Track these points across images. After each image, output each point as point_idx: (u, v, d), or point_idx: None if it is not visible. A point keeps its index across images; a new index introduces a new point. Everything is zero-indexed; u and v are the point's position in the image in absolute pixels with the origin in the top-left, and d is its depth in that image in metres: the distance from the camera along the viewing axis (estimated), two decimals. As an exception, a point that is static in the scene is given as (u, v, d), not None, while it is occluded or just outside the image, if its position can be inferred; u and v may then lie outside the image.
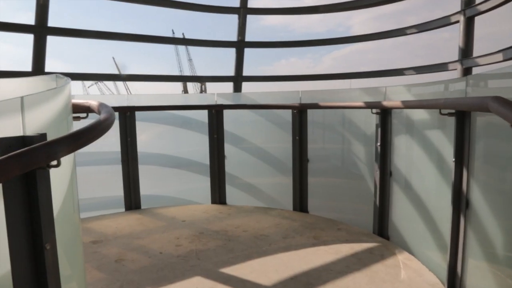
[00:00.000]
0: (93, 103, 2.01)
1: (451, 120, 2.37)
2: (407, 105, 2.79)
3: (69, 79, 1.91)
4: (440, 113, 2.38)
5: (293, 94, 4.20)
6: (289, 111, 4.14)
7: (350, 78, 5.83)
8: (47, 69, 4.56)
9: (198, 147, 4.60)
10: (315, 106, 3.87)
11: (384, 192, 3.37)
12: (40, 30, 4.46)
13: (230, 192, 4.60)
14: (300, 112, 4.05)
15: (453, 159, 2.34)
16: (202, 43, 6.19)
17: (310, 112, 4.05)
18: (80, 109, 2.16)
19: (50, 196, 1.12)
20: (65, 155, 1.14)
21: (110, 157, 4.36)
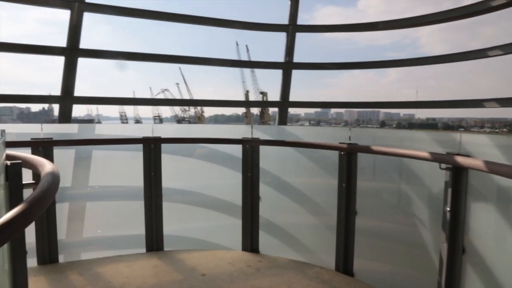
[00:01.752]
0: (47, 168, 1.50)
1: None
2: (495, 170, 2.00)
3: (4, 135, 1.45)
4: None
5: (343, 131, 3.50)
6: (336, 152, 3.44)
7: (417, 107, 4.98)
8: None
9: (230, 185, 4.05)
10: (367, 149, 3.14)
11: (453, 272, 2.55)
12: (71, 53, 4.21)
13: (264, 238, 3.98)
14: (348, 155, 3.34)
15: None
16: (248, 64, 5.70)
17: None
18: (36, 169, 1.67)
19: None
20: None
21: (132, 192, 3.96)
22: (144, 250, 3.94)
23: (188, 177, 4.17)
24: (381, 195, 3.59)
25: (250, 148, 3.83)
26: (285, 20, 5.30)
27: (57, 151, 3.57)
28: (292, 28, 5.15)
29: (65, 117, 4.18)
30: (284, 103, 5.15)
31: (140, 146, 3.82)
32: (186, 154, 4.08)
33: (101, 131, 3.94)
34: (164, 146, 3.88)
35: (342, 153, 3.37)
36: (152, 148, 3.80)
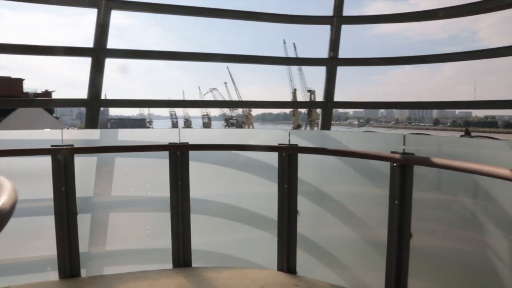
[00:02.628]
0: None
1: None
2: None
3: None
4: None
5: (395, 138, 2.96)
6: (387, 163, 2.90)
7: (477, 108, 4.27)
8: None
9: (265, 197, 3.64)
10: (426, 162, 2.58)
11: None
12: (98, 53, 3.98)
13: (302, 258, 3.52)
14: (402, 167, 2.78)
15: None
16: (291, 61, 5.24)
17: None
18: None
19: None
20: None
21: (158, 202, 3.66)
22: (170, 266, 3.62)
23: (219, 187, 3.81)
24: (442, 212, 3.01)
25: (287, 156, 3.38)
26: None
27: (78, 159, 3.34)
28: (337, 20, 4.62)
29: (92, 121, 3.97)
30: (328, 103, 4.63)
31: (167, 153, 3.50)
32: (217, 161, 3.71)
33: (124, 137, 3.67)
34: (193, 153, 3.54)
35: (395, 164, 2.82)
36: (178, 156, 3.47)
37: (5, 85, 54.15)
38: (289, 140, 3.43)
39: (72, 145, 3.32)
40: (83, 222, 3.44)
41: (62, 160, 3.27)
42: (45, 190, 3.25)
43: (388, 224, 2.92)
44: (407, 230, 2.84)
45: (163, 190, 3.56)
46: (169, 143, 3.48)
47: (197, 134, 3.67)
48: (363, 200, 3.29)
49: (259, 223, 3.70)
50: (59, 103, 4.06)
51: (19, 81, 58.28)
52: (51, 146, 3.27)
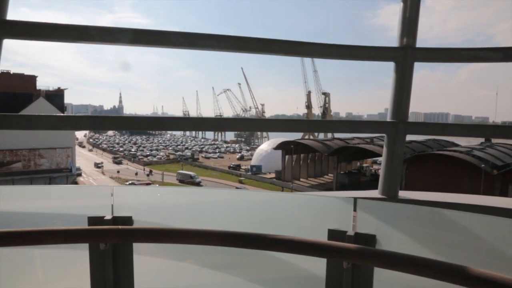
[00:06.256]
0: None
1: None
2: None
3: None
4: None
5: None
6: None
7: None
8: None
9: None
10: None
11: None
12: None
13: None
14: None
15: None
16: (348, 51, 3.11)
17: None
18: None
19: None
20: None
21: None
22: None
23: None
24: None
25: (351, 268, 1.44)
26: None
27: None
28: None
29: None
30: (399, 125, 2.66)
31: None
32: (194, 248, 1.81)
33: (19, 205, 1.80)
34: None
35: None
36: (107, 250, 1.57)
37: (18, 82, 53.44)
38: (353, 228, 1.48)
39: None
40: None
41: None
42: None
43: None
44: None
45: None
46: (89, 218, 1.58)
47: (148, 195, 1.74)
48: None
49: None
50: None
51: (33, 78, 57.33)
52: None
